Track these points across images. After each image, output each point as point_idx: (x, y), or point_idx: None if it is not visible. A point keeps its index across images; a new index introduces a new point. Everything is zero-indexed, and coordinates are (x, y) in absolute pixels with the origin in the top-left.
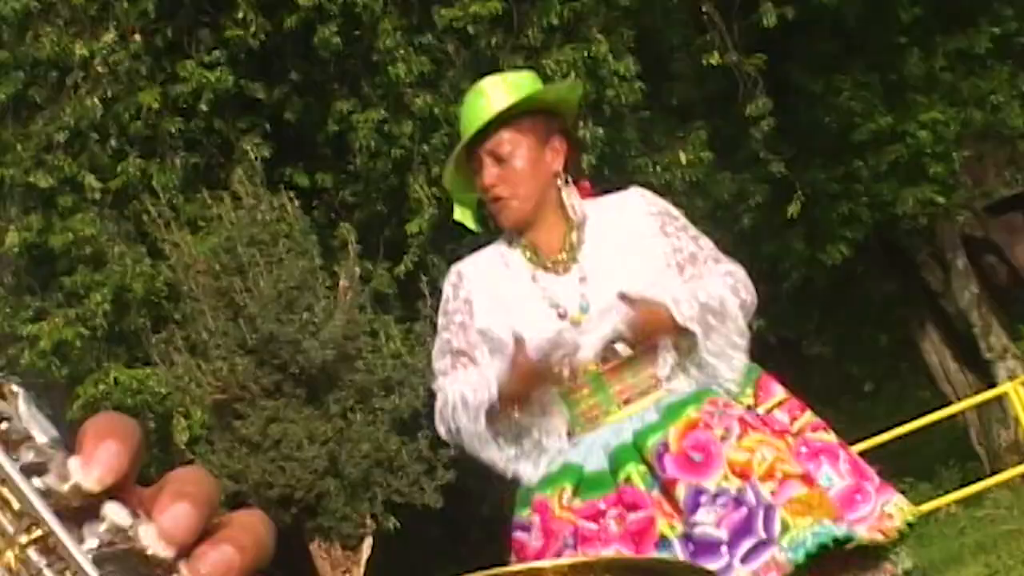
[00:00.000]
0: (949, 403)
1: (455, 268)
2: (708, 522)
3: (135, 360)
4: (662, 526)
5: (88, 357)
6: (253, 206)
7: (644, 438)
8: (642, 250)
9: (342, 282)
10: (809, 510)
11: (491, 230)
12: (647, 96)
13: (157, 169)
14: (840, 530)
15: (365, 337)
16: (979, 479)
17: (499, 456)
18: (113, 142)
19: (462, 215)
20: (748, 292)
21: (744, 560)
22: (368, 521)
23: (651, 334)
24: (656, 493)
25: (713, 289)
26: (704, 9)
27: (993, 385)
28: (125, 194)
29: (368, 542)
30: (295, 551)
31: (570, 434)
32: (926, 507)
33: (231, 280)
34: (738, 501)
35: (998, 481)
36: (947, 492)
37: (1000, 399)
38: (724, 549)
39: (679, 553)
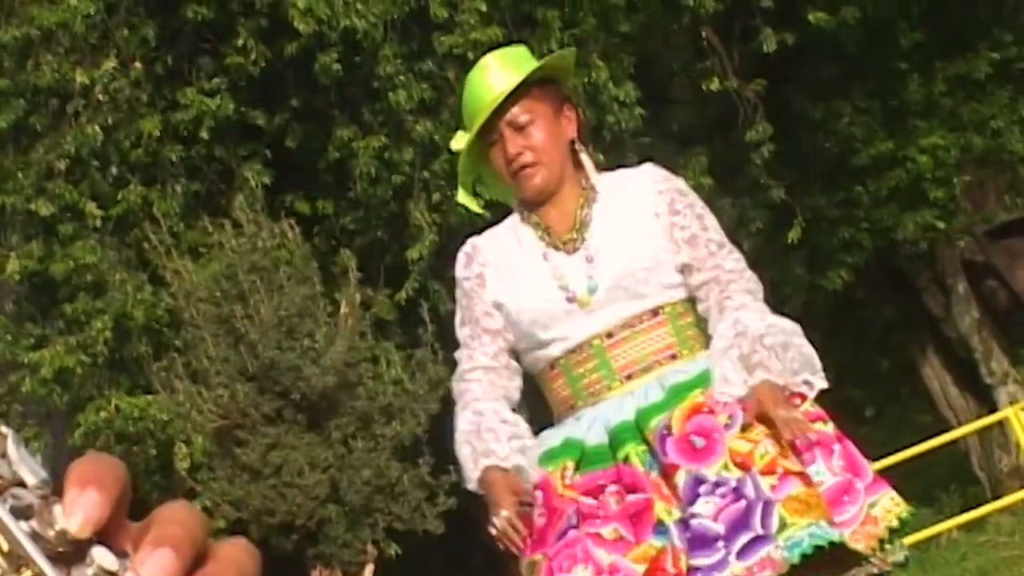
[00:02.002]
0: (950, 428)
1: (470, 241)
2: (706, 514)
3: (136, 387)
4: (659, 510)
5: (89, 384)
6: (254, 233)
7: (647, 417)
8: (648, 229)
9: (343, 309)
10: (808, 509)
11: (493, 215)
12: (647, 122)
13: (158, 196)
14: (836, 533)
15: (366, 364)
16: (980, 504)
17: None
18: (114, 169)
19: (465, 198)
20: (759, 293)
21: (740, 555)
22: (369, 548)
23: (796, 421)
24: (655, 475)
25: (759, 321)
26: (704, 35)
27: (994, 410)
28: (126, 221)
29: (369, 569)
30: None
31: (573, 407)
32: (927, 532)
33: (232, 307)
34: (737, 492)
35: (1000, 506)
36: (948, 517)
37: (1001, 424)
38: (720, 544)
39: (675, 539)
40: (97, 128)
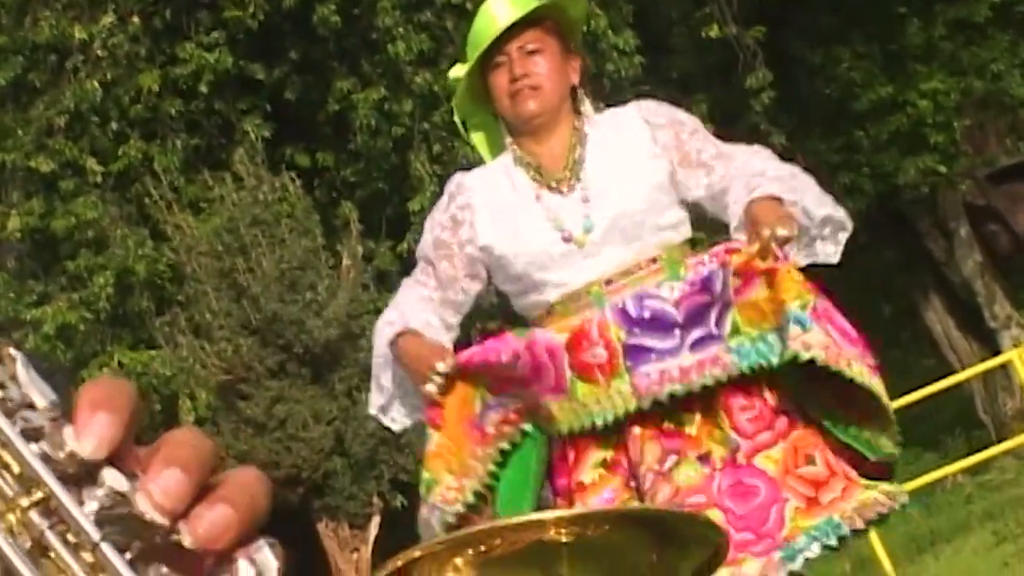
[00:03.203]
0: (954, 372)
1: (456, 177)
2: (669, 298)
3: (139, 342)
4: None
5: (92, 340)
6: (255, 187)
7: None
8: (643, 167)
9: (345, 261)
10: (761, 318)
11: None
12: (647, 69)
13: (158, 151)
14: (779, 350)
15: (369, 315)
16: (985, 447)
17: (380, 384)
18: (114, 125)
19: (477, 140)
20: (772, 155)
21: (693, 347)
22: (375, 500)
23: (784, 239)
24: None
25: (763, 163)
26: None
27: (998, 353)
28: (127, 177)
29: (375, 520)
30: (303, 531)
31: None
32: (932, 476)
33: (234, 261)
34: (705, 284)
35: (1004, 449)
36: (953, 461)
37: (1005, 367)
38: (677, 332)
39: (606, 311)
40: (96, 84)
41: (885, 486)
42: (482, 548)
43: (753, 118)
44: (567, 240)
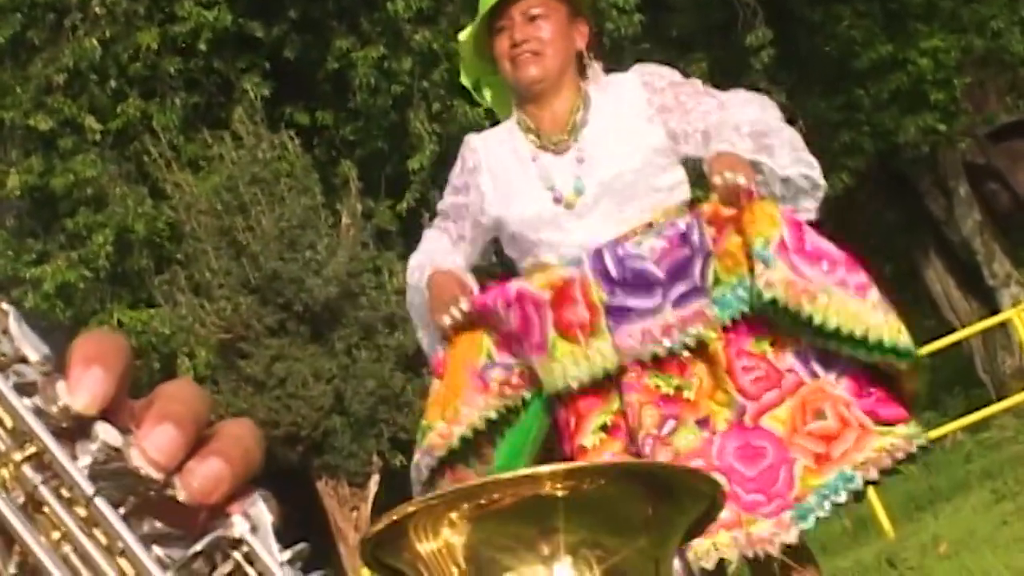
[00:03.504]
0: (953, 330)
1: (469, 138)
2: (649, 256)
3: (139, 301)
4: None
5: (91, 299)
6: (254, 145)
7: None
8: (641, 130)
9: (344, 219)
10: (737, 264)
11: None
12: (646, 28)
13: (157, 109)
14: (765, 295)
15: (368, 274)
16: (985, 405)
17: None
18: (112, 83)
19: (467, 82)
20: (772, 106)
21: (676, 304)
22: (374, 458)
23: (736, 186)
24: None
25: (748, 115)
26: None
27: (997, 312)
28: (125, 135)
29: (375, 479)
30: (302, 489)
31: None
32: (932, 434)
33: (233, 219)
34: (684, 238)
35: (1004, 407)
36: (953, 419)
37: (1004, 326)
38: (659, 290)
39: (586, 269)
40: (95, 41)
41: (902, 429)
42: (478, 503)
43: (753, 76)
44: (557, 200)
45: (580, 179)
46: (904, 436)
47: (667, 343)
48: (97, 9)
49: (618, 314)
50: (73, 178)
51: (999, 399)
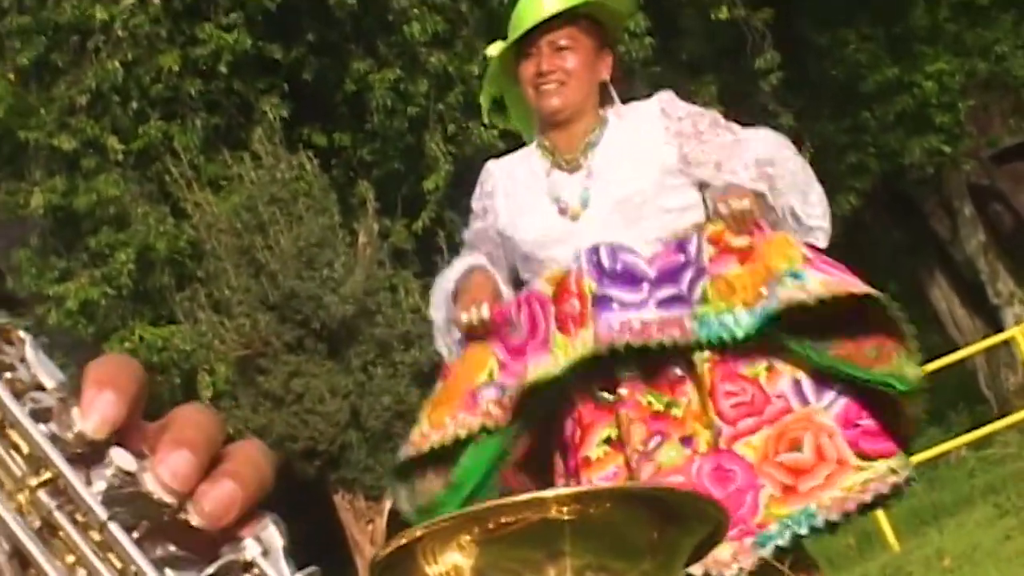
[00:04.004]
0: (958, 348)
1: (486, 166)
2: (644, 254)
3: (160, 318)
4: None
5: (114, 316)
6: (273, 165)
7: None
8: (653, 151)
9: (361, 239)
10: (731, 293)
11: (508, 146)
12: (657, 51)
13: (178, 130)
14: (746, 321)
15: (384, 292)
16: (988, 422)
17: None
18: (134, 104)
19: (486, 103)
20: (788, 144)
21: (660, 304)
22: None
23: (743, 211)
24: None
25: (760, 148)
26: None
27: (1001, 330)
28: (147, 155)
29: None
30: (319, 503)
31: None
32: (936, 450)
33: (252, 238)
34: (681, 247)
35: (1007, 424)
36: (957, 435)
37: (1007, 343)
38: (646, 286)
39: (582, 261)
40: (117, 64)
41: (882, 464)
42: (485, 527)
43: (761, 99)
44: (562, 212)
45: (587, 190)
46: (884, 472)
47: (642, 339)
48: (120, 32)
49: (603, 303)
50: (96, 197)
51: (1002, 416)
